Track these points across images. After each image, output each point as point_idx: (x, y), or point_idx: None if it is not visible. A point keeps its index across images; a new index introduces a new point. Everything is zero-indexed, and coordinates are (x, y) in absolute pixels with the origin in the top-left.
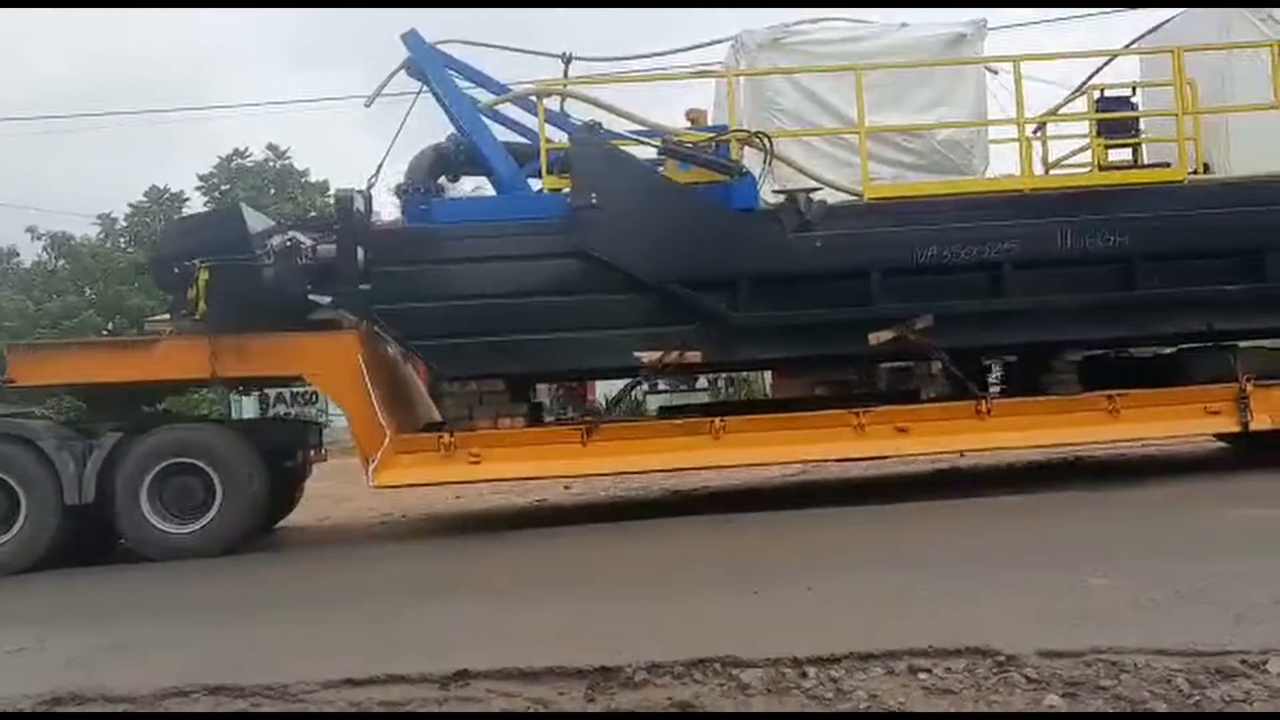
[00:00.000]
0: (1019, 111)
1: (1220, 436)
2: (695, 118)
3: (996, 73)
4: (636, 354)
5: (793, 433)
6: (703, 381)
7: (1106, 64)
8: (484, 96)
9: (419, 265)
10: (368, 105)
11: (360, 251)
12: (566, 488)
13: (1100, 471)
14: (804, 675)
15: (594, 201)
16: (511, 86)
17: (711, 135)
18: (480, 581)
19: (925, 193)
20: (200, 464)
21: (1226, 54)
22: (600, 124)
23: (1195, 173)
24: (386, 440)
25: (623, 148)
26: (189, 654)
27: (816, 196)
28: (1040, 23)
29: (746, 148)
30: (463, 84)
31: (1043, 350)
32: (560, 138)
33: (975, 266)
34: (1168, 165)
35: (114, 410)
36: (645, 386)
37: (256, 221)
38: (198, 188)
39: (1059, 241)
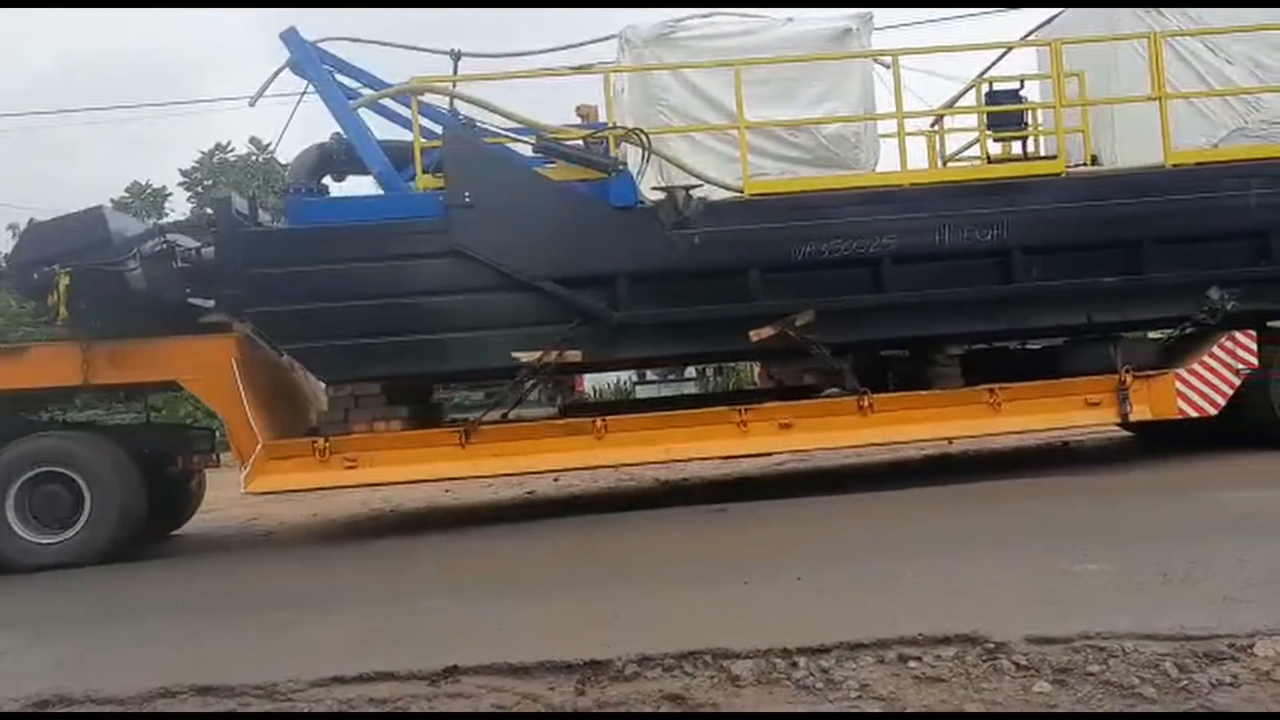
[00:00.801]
0: (898, 106)
1: (1124, 425)
2: (586, 113)
3: (889, 66)
4: (515, 354)
5: (677, 431)
6: (691, 371)
7: (1002, 58)
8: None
9: (289, 267)
10: (251, 105)
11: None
12: (555, 480)
13: (1089, 456)
14: (794, 666)
15: (467, 200)
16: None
17: (589, 132)
18: (469, 576)
19: (805, 188)
20: (68, 473)
21: (1112, 47)
22: (475, 122)
23: (1083, 165)
24: (259, 447)
25: (499, 145)
26: (176, 654)
27: (701, 193)
28: (937, 21)
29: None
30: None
31: (925, 344)
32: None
33: (855, 262)
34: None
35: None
36: (634, 377)
37: (125, 225)
38: (180, 183)
39: (937, 236)
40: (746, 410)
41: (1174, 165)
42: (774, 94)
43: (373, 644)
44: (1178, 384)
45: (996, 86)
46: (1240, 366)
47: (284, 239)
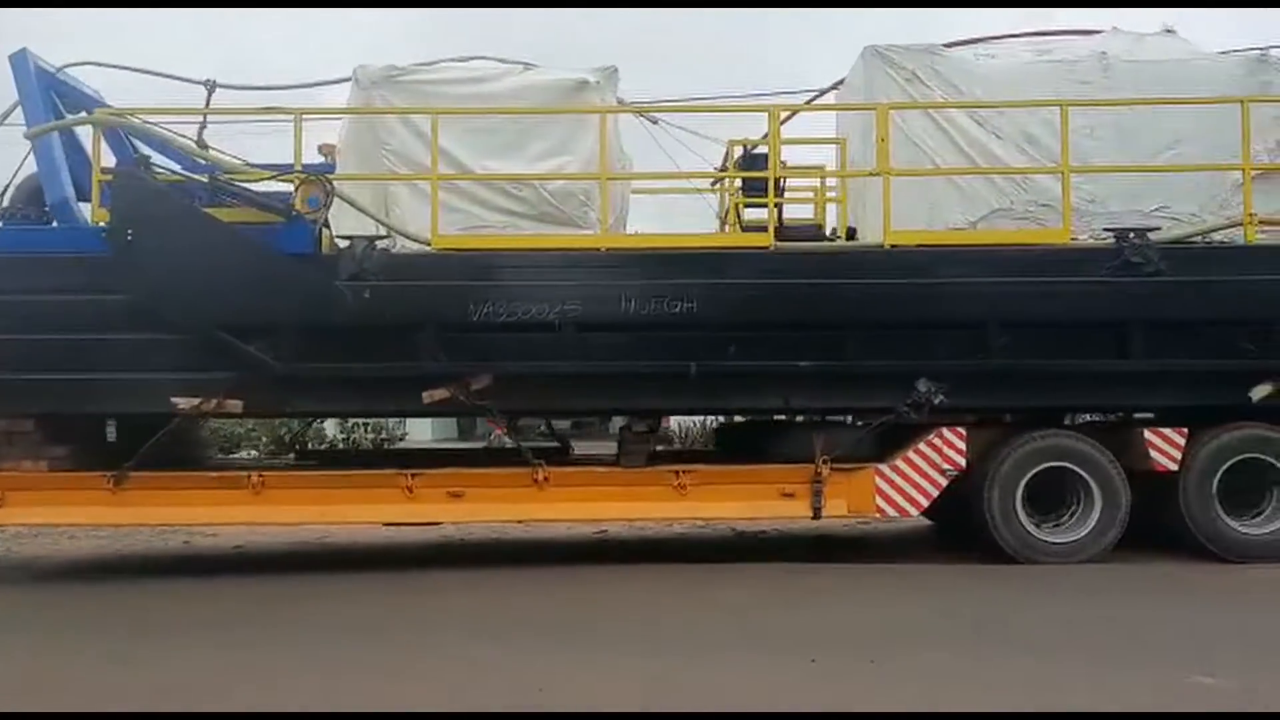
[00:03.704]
0: (602, 166)
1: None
2: (326, 151)
3: (656, 121)
4: (174, 399)
5: (338, 492)
6: None
7: (789, 118)
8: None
9: None
10: None
11: None
12: (630, 523)
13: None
14: None
15: (130, 237)
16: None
17: (272, 174)
18: (516, 620)
19: (491, 246)
20: None
21: (871, 114)
22: (150, 158)
23: (837, 236)
24: None
25: (175, 183)
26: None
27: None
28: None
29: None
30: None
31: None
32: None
33: (536, 326)
34: (817, 226)
35: None
36: None
37: None
38: None
39: (622, 305)
40: (414, 476)
41: (892, 245)
42: (503, 144)
43: (455, 681)
44: (878, 479)
45: (754, 150)
46: (947, 467)
47: None
